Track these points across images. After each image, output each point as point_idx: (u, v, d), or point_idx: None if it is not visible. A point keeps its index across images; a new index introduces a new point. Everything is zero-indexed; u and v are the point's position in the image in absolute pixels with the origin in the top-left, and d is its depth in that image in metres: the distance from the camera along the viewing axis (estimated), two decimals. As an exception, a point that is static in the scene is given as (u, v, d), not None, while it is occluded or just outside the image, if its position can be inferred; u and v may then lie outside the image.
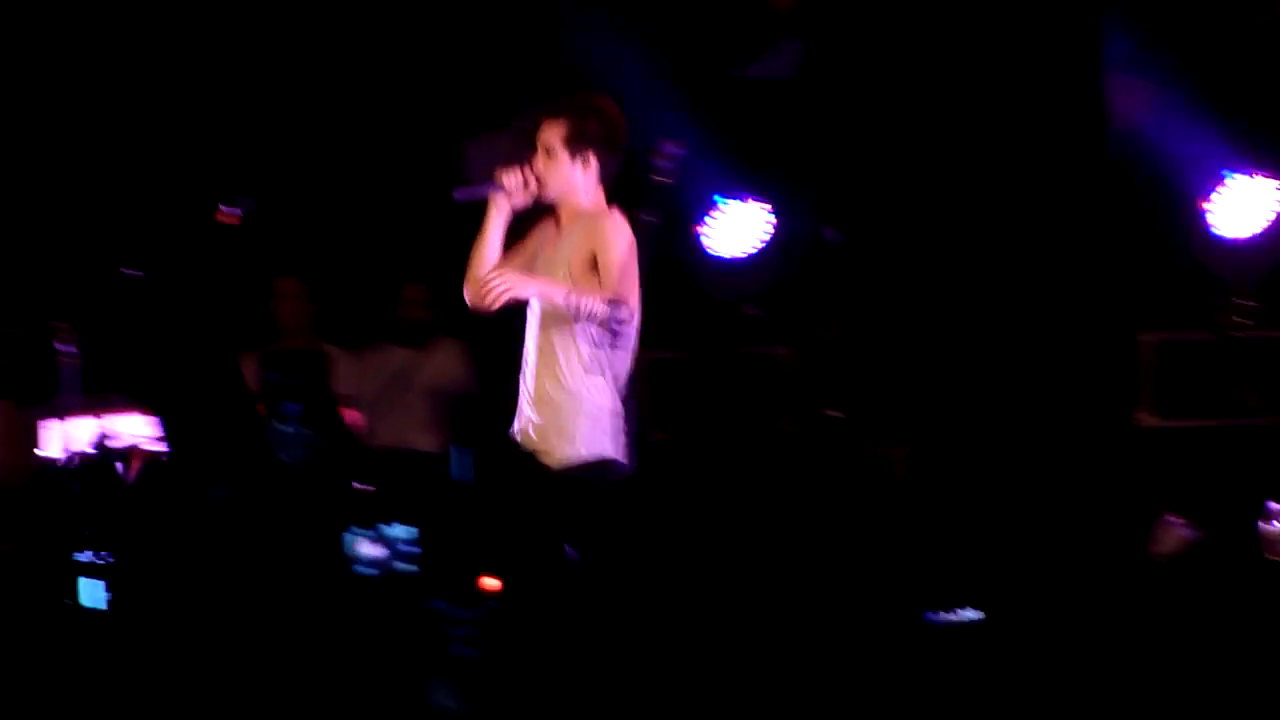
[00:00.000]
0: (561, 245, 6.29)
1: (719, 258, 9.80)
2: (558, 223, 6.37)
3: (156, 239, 8.43)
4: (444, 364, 9.60)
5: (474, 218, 6.36)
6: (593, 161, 6.28)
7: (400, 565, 7.65)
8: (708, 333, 9.70)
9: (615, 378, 6.23)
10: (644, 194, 6.73)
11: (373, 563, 7.66)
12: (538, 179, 6.28)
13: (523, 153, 6.33)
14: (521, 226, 6.50)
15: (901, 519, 8.58)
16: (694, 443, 9.32)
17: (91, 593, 7.31)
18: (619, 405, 6.20)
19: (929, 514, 8.59)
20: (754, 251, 9.77)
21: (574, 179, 6.29)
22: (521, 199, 6.30)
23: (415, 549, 7.80)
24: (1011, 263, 9.17)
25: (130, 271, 7.43)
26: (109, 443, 7.66)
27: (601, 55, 9.06)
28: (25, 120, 9.77)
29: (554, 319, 6.22)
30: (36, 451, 8.04)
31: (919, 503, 8.66)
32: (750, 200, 9.75)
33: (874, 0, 9.50)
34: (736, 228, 9.77)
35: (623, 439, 6.20)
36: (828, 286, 9.42)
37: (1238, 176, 9.30)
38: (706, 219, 9.77)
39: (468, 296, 6.27)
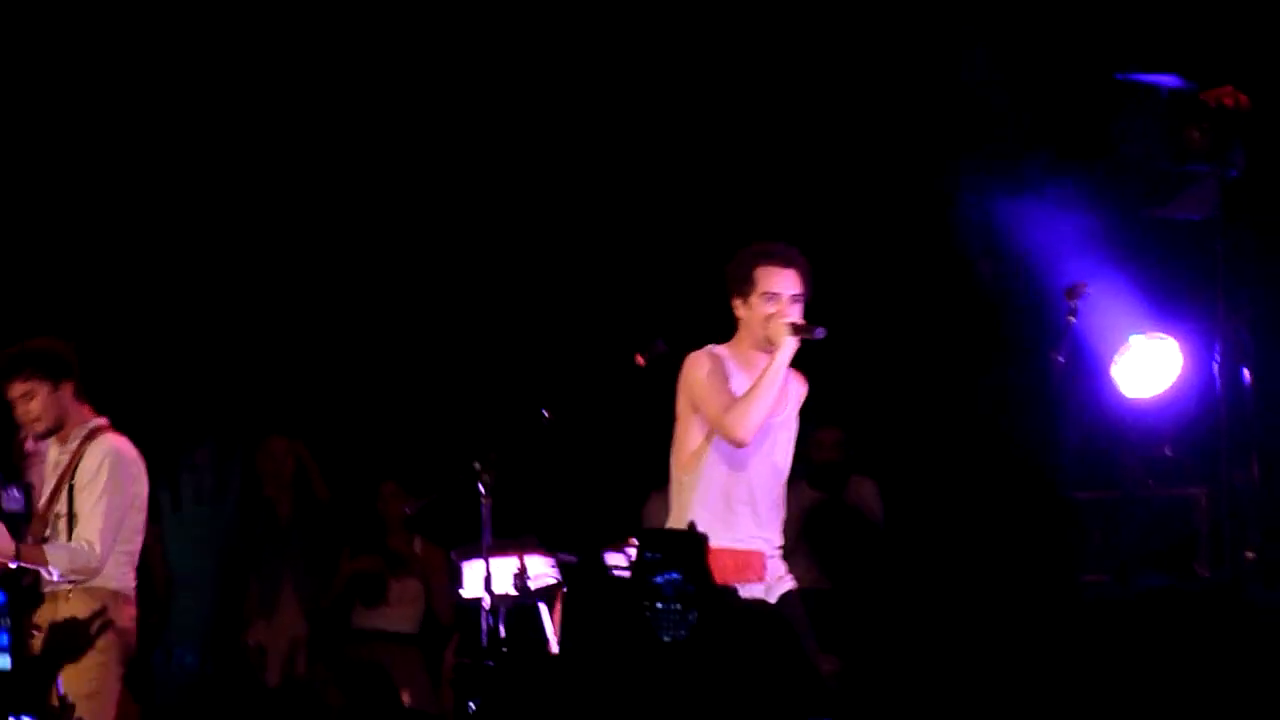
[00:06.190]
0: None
1: (1131, 398, 9.57)
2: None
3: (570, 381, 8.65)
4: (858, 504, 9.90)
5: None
6: None
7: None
8: (1124, 474, 9.59)
9: None
10: (1054, 335, 7.33)
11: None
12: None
13: None
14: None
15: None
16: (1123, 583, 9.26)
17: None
18: None
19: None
20: (1165, 391, 9.48)
21: None
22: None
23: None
24: None
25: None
26: (529, 582, 7.85)
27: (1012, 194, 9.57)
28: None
29: None
30: (460, 592, 8.29)
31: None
32: (1160, 337, 9.47)
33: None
34: (1148, 366, 9.49)
35: None
36: (1244, 425, 8.90)
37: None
38: (1117, 358, 9.55)
39: (745, 434, 6.96)
